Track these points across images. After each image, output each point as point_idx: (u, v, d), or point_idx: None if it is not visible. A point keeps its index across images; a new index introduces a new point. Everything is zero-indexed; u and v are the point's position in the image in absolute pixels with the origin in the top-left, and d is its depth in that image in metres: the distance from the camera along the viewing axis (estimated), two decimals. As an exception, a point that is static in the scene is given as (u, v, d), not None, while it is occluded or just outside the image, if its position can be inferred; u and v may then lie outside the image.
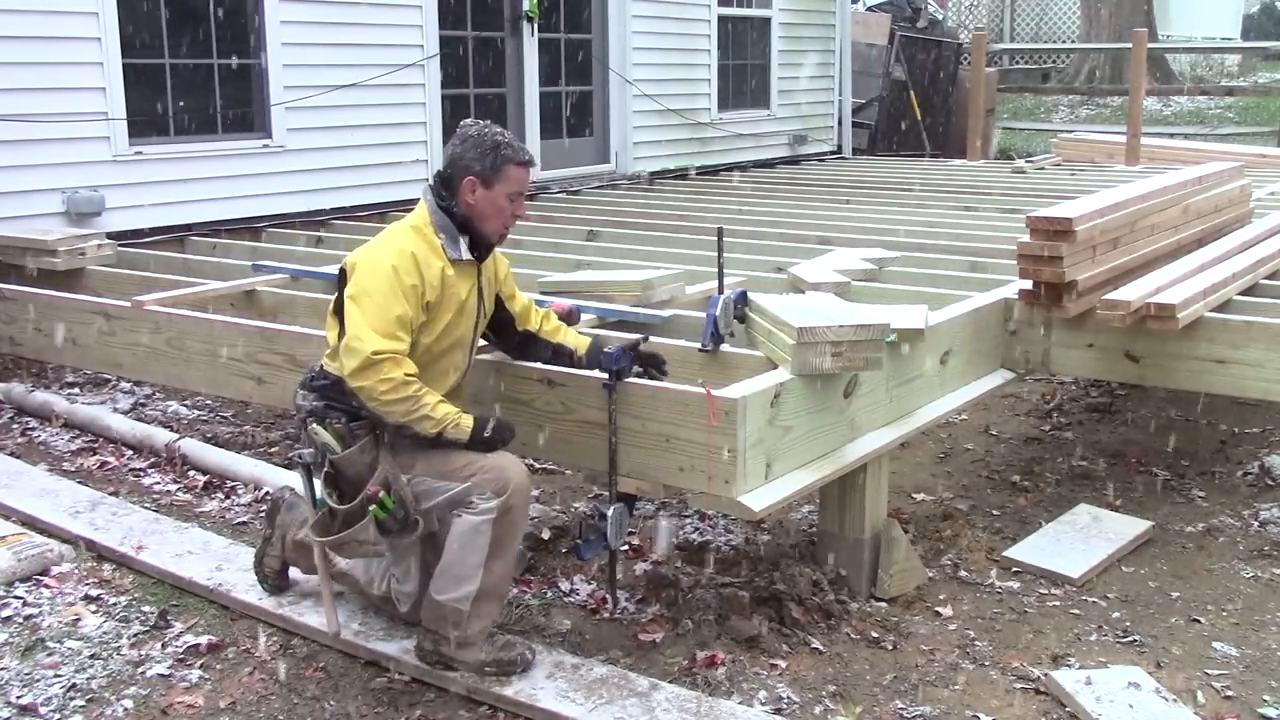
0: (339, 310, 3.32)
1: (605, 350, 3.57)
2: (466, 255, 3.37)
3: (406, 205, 8.48)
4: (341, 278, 3.36)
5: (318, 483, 3.39)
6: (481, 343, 3.69)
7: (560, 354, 3.75)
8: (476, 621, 3.33)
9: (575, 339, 3.78)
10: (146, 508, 4.63)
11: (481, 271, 3.46)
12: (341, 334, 3.27)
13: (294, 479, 4.79)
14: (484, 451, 3.27)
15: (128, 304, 5.10)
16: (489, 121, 3.45)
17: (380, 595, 3.62)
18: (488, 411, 3.62)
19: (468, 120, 3.46)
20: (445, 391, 3.37)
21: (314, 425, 3.34)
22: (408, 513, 3.29)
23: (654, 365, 3.71)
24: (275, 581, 3.87)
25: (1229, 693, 3.44)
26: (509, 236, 3.63)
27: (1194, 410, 5.97)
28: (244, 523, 4.57)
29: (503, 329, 3.72)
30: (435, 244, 3.33)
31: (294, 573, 3.90)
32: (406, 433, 3.24)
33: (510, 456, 3.33)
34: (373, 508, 3.25)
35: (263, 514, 4.61)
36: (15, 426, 5.64)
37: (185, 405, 5.99)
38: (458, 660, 3.37)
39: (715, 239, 4.09)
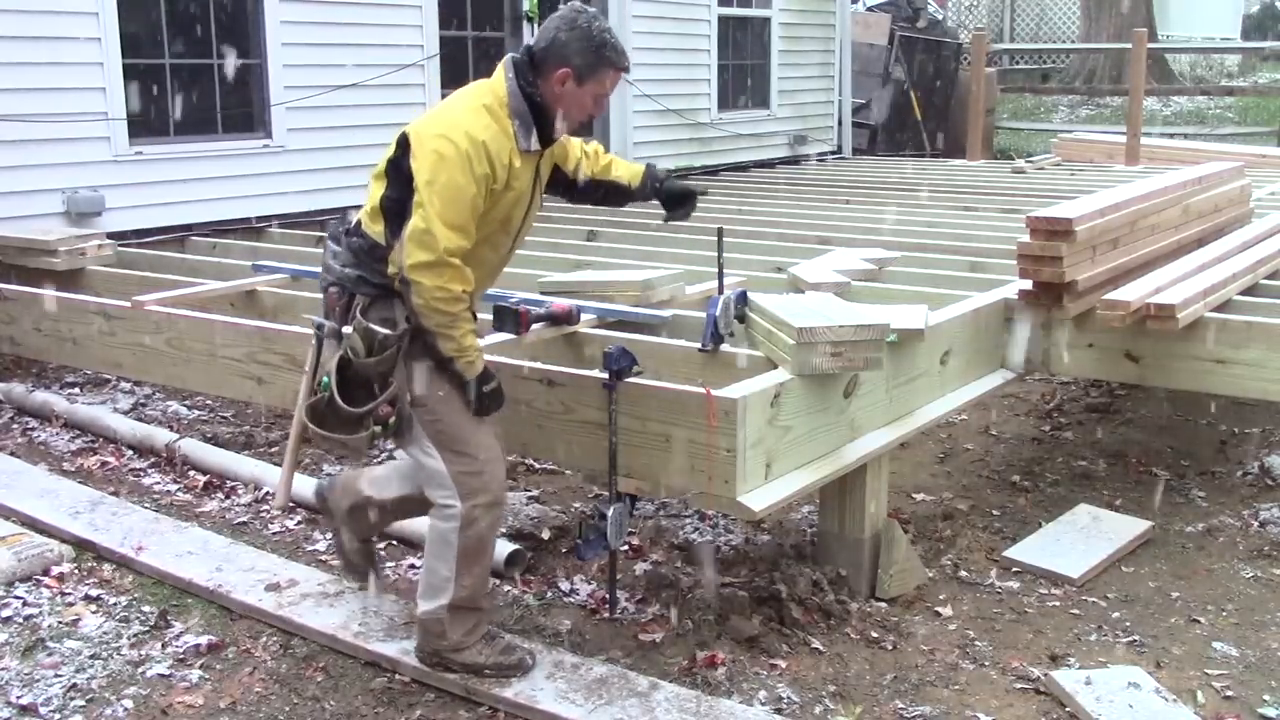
0: (388, 171, 3.23)
1: (605, 350, 3.56)
2: (535, 146, 3.27)
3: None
4: (401, 145, 3.20)
5: (328, 361, 3.30)
6: None
7: (612, 192, 3.69)
8: (456, 629, 3.33)
9: (629, 172, 3.69)
10: (146, 508, 4.63)
11: (543, 157, 3.38)
12: (389, 197, 3.19)
13: (297, 478, 4.81)
14: (474, 407, 3.23)
15: (128, 304, 5.10)
16: (596, 13, 3.28)
17: (395, 497, 3.61)
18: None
19: (576, 4, 3.28)
20: (479, 273, 3.30)
21: (347, 328, 3.25)
22: (401, 428, 3.27)
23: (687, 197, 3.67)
24: (364, 568, 3.80)
25: (1229, 693, 3.44)
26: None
27: (1194, 410, 5.97)
28: (244, 523, 4.57)
29: (557, 188, 3.65)
30: (508, 129, 3.19)
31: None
32: (425, 340, 3.17)
33: (496, 471, 3.29)
34: (376, 427, 3.22)
35: (263, 514, 4.62)
36: (15, 426, 5.64)
37: (185, 405, 5.99)
38: (456, 663, 3.37)
39: (715, 239, 4.09)
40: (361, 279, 3.26)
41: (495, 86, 3.24)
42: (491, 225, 3.27)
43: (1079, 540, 4.39)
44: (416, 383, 3.24)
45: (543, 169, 3.42)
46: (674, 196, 3.74)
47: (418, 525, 3.95)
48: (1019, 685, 3.48)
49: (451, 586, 3.28)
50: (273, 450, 5.36)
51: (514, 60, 3.26)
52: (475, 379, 3.23)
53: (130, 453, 5.28)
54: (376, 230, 3.24)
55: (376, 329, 3.17)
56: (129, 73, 7.00)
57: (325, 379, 3.27)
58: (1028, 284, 4.65)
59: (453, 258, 3.08)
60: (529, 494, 4.82)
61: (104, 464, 5.17)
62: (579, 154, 3.66)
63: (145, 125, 7.16)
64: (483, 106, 3.20)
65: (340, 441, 3.29)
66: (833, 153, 12.86)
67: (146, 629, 3.72)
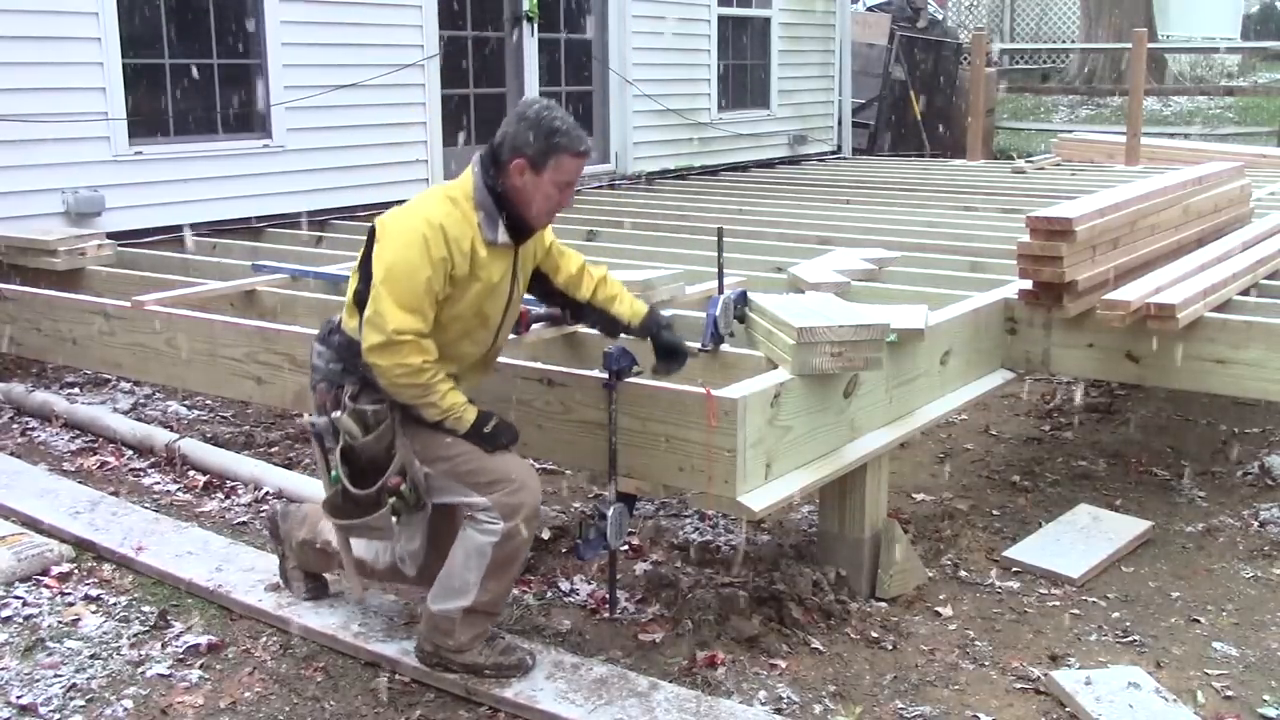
0: (361, 266, 3.27)
1: (606, 350, 3.57)
2: (504, 239, 3.27)
3: (406, 205, 8.51)
4: (370, 237, 3.27)
5: (332, 456, 3.32)
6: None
7: (611, 324, 3.68)
8: (466, 631, 3.33)
9: (630, 309, 3.67)
10: (146, 508, 4.63)
11: (519, 254, 3.37)
12: (359, 291, 3.23)
13: (293, 479, 4.82)
14: (485, 450, 3.24)
15: (128, 304, 5.10)
16: (552, 103, 3.30)
17: (386, 567, 3.57)
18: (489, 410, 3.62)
19: (530, 98, 3.30)
20: (461, 367, 3.32)
21: (337, 414, 3.26)
22: (419, 497, 3.27)
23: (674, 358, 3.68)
24: (308, 587, 3.83)
25: (1229, 693, 3.44)
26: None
27: (1194, 410, 5.97)
28: (244, 523, 4.57)
29: (550, 299, 3.67)
30: (471, 220, 3.22)
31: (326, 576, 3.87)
32: (412, 413, 3.22)
33: (530, 479, 3.28)
34: (392, 500, 3.22)
35: (263, 514, 4.62)
36: (15, 426, 5.64)
37: (185, 405, 5.99)
38: (456, 664, 3.37)
39: (715, 239, 4.09)
40: (345, 371, 3.30)
41: (463, 181, 3.31)
42: (466, 320, 3.29)
43: (1079, 540, 4.39)
44: (421, 443, 3.25)
45: (521, 267, 3.42)
46: (667, 349, 3.68)
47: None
48: (1019, 685, 3.48)
49: (474, 590, 3.27)
50: (272, 450, 5.36)
51: (480, 156, 3.32)
52: (471, 429, 3.24)
53: (130, 453, 5.28)
54: (352, 326, 3.29)
55: (366, 407, 3.22)
56: (129, 73, 7.00)
57: (335, 472, 3.30)
58: (1028, 284, 4.65)
59: (403, 336, 3.10)
60: (529, 494, 4.81)
61: (104, 464, 5.17)
62: (573, 270, 3.64)
63: (145, 125, 7.16)
64: (448, 198, 3.26)
65: (365, 526, 3.31)
66: (833, 153, 12.86)
67: (146, 629, 3.72)
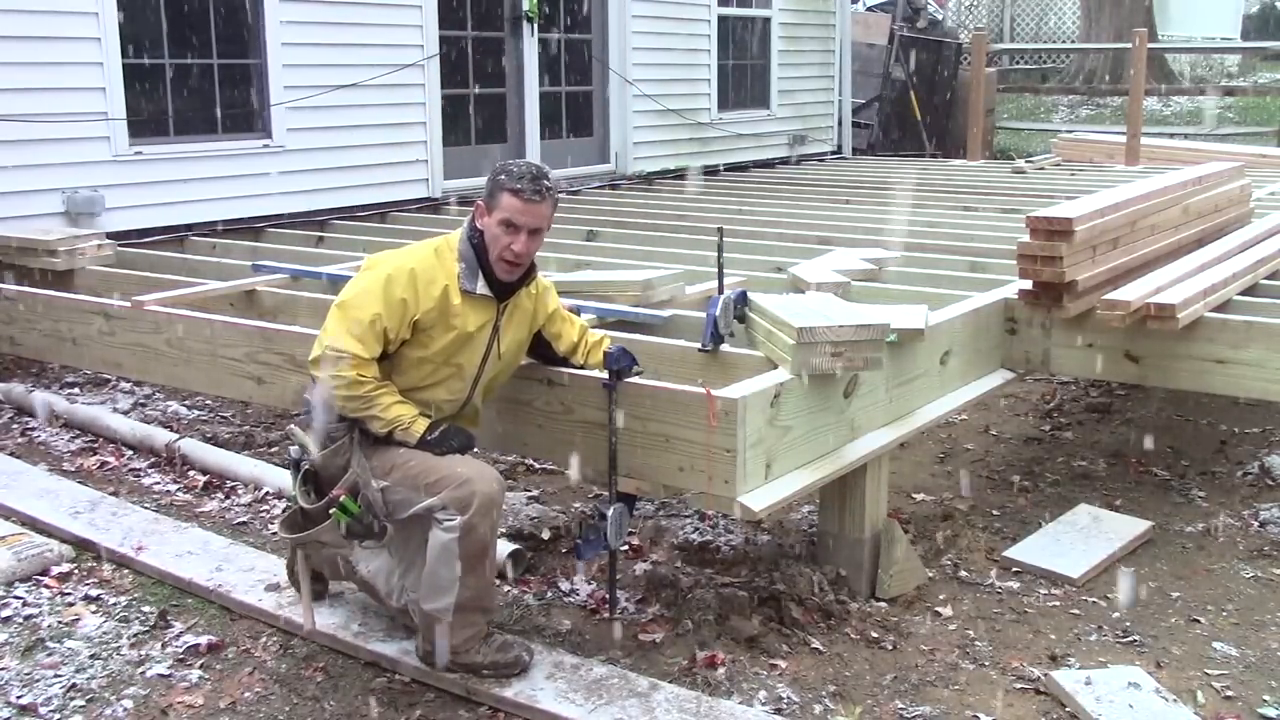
0: None
1: (606, 350, 3.58)
2: (483, 290, 3.33)
3: (406, 205, 8.55)
4: None
5: (296, 479, 3.45)
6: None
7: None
8: (461, 631, 3.33)
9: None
10: (146, 508, 4.63)
11: (504, 312, 3.42)
12: None
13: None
14: (437, 455, 3.28)
15: (128, 304, 5.10)
16: (524, 160, 3.41)
17: (398, 608, 3.59)
18: (486, 413, 3.64)
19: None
20: (439, 416, 3.38)
21: (292, 426, 3.42)
22: (375, 518, 3.32)
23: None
24: (311, 587, 3.84)
25: (1229, 693, 3.44)
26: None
27: (1194, 410, 5.97)
28: (244, 523, 4.57)
29: (549, 364, 3.73)
30: (451, 270, 3.31)
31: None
32: (361, 428, 3.30)
33: (480, 472, 3.29)
34: (334, 511, 3.28)
35: (263, 514, 4.62)
36: (15, 426, 5.64)
37: (185, 405, 5.99)
38: (455, 663, 3.37)
39: (715, 239, 4.09)
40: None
41: (453, 235, 3.42)
42: (436, 366, 3.35)
43: (1079, 540, 4.39)
44: (378, 459, 3.31)
45: (508, 325, 3.45)
46: (622, 371, 3.67)
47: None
48: (1019, 685, 3.48)
49: (456, 587, 3.28)
50: (272, 450, 5.36)
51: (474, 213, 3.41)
52: (421, 438, 3.29)
53: (130, 453, 5.28)
54: None
55: (325, 425, 3.33)
56: (129, 73, 7.00)
57: (293, 493, 3.43)
58: (1028, 284, 4.65)
59: (338, 353, 3.21)
60: (529, 494, 4.82)
61: (104, 464, 5.17)
62: (575, 338, 3.70)
63: (145, 125, 7.16)
64: (433, 249, 3.39)
65: (315, 541, 3.39)
66: (833, 153, 12.86)
67: (146, 629, 3.72)
